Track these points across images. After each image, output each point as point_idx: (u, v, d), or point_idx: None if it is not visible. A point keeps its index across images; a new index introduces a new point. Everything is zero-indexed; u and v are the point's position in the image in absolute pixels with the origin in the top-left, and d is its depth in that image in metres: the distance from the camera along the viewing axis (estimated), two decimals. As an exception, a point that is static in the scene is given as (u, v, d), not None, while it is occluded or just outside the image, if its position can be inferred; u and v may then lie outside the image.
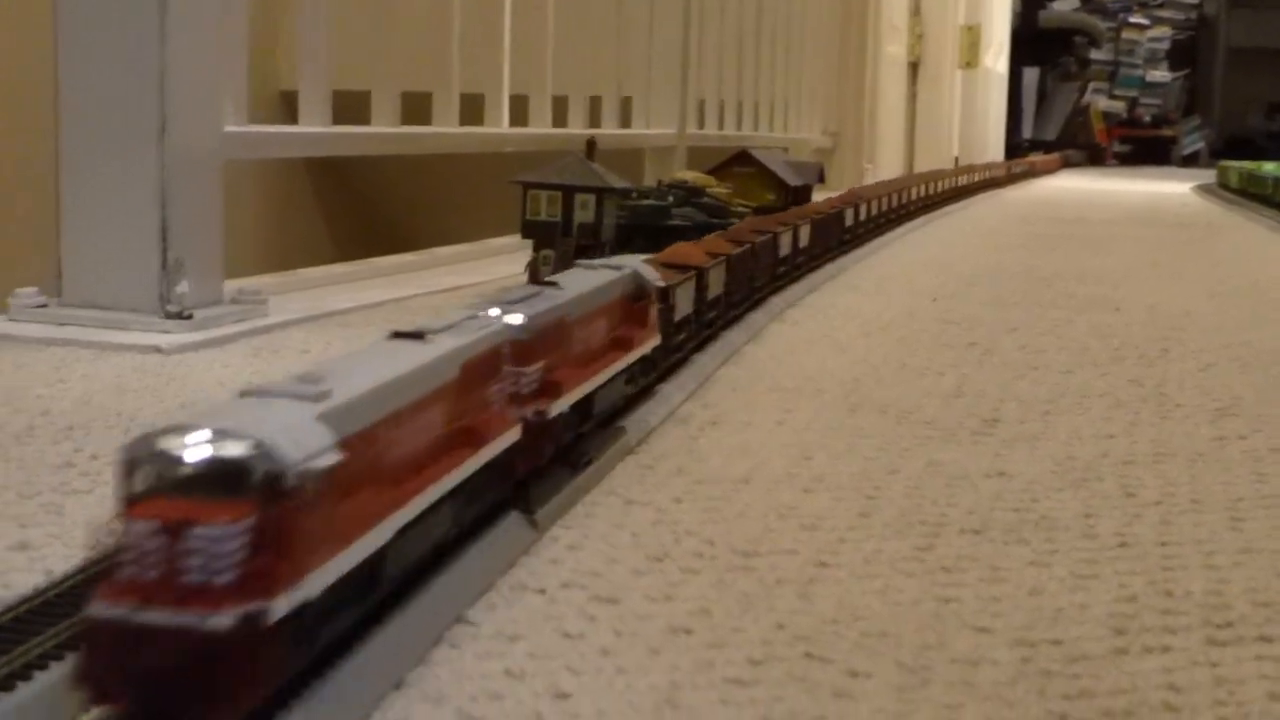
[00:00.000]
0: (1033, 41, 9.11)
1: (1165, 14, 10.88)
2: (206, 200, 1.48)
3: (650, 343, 1.03)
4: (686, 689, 0.60)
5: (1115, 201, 5.09)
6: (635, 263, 1.02)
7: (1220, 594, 0.75)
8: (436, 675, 0.60)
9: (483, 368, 0.70)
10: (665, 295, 1.10)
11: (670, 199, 2.46)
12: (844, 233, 2.41)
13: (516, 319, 0.75)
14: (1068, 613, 0.71)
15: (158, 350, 1.33)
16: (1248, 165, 5.17)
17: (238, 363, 1.31)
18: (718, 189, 2.70)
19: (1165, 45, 10.86)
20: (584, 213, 1.75)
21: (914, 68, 6.17)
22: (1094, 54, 10.50)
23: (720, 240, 1.55)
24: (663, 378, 1.16)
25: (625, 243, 2.14)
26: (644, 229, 2.32)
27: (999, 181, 5.34)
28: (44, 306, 1.44)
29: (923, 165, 5.70)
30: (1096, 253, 2.86)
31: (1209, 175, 6.68)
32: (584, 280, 0.92)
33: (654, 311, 1.03)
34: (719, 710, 0.59)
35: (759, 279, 1.68)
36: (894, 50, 5.67)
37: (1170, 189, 6.16)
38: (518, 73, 2.56)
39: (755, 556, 0.78)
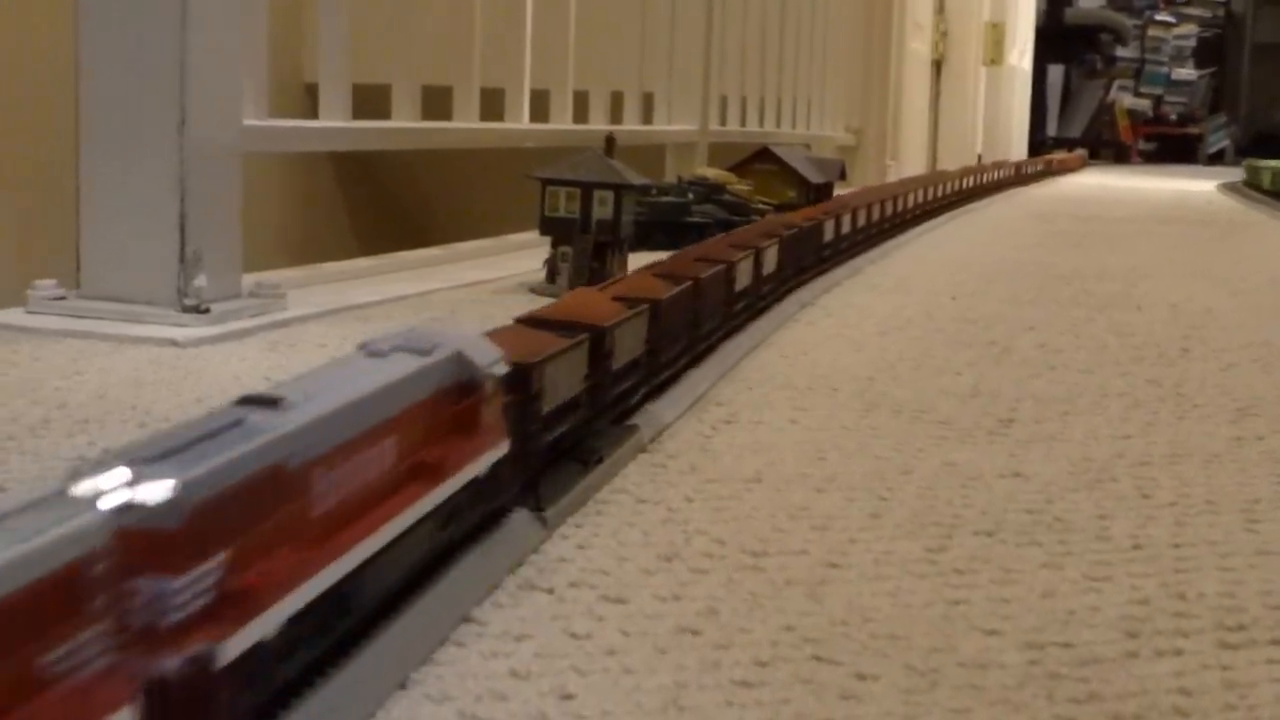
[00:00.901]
0: (1058, 38, 9.09)
1: (1192, 11, 10.85)
2: (225, 194, 1.49)
3: (486, 456, 0.70)
4: (693, 690, 0.60)
5: (1139, 199, 5.07)
6: (461, 338, 0.69)
7: (1234, 596, 0.74)
8: (441, 675, 0.60)
9: (42, 609, 0.37)
10: (523, 380, 0.77)
11: (690, 196, 2.47)
12: (823, 249, 2.06)
13: (155, 493, 0.42)
14: (1079, 615, 0.71)
15: (174, 344, 1.33)
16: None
17: (254, 356, 1.31)
18: (739, 186, 2.70)
19: (1191, 42, 10.83)
20: (602, 209, 1.75)
21: (938, 65, 6.16)
22: (1120, 51, 10.47)
23: (650, 278, 1.19)
24: (528, 488, 0.80)
25: (644, 239, 2.15)
26: (663, 225, 2.33)
27: (1007, 183, 5.14)
28: (62, 299, 1.45)
29: (946, 163, 5.69)
30: (1118, 250, 2.84)
31: (1235, 173, 6.65)
32: (343, 386, 0.57)
33: (494, 408, 0.71)
34: (725, 712, 0.58)
35: (707, 324, 1.31)
36: (918, 47, 5.66)
37: (1195, 187, 6.14)
38: (539, 67, 2.57)
39: (765, 557, 0.78)
